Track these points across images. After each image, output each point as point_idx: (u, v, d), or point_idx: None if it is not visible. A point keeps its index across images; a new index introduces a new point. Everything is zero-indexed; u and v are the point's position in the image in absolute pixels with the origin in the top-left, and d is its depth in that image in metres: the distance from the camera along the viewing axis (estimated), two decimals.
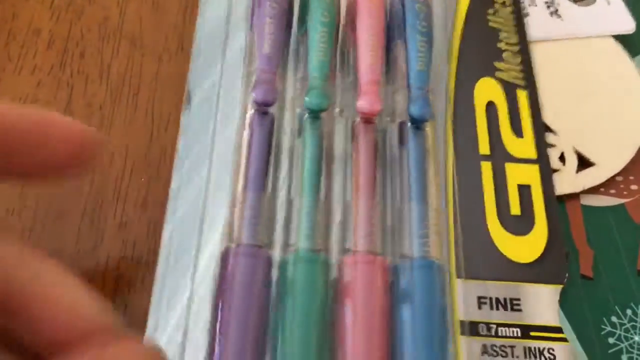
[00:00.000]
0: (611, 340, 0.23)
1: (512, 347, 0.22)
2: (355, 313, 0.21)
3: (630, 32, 0.30)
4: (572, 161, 0.26)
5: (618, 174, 0.26)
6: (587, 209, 0.26)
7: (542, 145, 0.26)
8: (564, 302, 0.23)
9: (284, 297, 0.21)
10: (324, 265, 0.22)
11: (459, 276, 0.23)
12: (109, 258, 0.24)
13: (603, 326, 0.23)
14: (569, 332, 0.23)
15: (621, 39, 0.30)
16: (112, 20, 0.31)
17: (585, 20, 0.30)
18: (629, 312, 0.23)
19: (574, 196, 0.26)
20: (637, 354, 0.23)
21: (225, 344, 0.20)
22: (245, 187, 0.23)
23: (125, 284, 0.24)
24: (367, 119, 0.25)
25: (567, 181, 0.26)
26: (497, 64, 0.28)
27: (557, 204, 0.25)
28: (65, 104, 0.28)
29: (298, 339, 0.20)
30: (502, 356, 0.22)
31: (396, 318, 0.21)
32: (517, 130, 0.26)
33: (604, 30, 0.30)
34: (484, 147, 0.26)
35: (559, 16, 0.30)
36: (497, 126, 0.26)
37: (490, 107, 0.27)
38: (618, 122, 0.27)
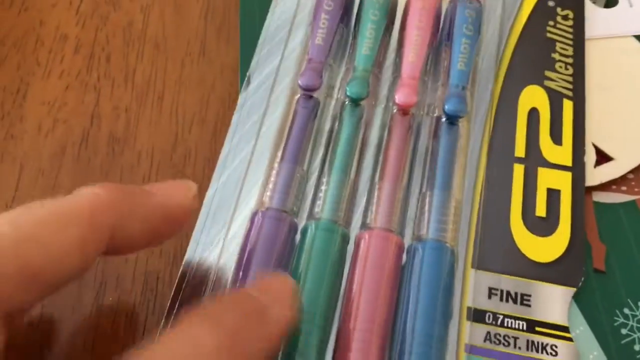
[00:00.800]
0: (624, 331, 0.24)
1: (515, 338, 0.22)
2: (365, 280, 0.22)
3: None
4: (591, 156, 0.27)
5: (630, 171, 0.27)
6: (599, 205, 0.26)
7: (579, 155, 0.26)
8: (577, 295, 0.24)
9: (299, 260, 0.23)
10: (342, 236, 0.23)
11: (473, 266, 0.24)
12: (138, 254, 0.25)
13: (616, 318, 0.24)
14: (582, 324, 0.23)
15: None
16: (136, 26, 0.32)
17: (607, 21, 0.31)
18: None
19: (586, 193, 0.26)
20: None
21: None
22: (282, 159, 0.25)
23: (153, 279, 0.25)
24: (404, 110, 0.26)
25: (586, 175, 0.27)
26: (548, 73, 0.28)
27: (583, 210, 0.25)
28: (92, 107, 0.29)
29: (307, 299, 0.22)
30: (505, 345, 0.22)
31: (403, 293, 0.22)
32: (557, 138, 0.27)
33: (626, 31, 0.30)
34: (520, 150, 0.26)
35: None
36: (537, 131, 0.27)
37: (533, 112, 0.27)
38: (637, 117, 0.28)
